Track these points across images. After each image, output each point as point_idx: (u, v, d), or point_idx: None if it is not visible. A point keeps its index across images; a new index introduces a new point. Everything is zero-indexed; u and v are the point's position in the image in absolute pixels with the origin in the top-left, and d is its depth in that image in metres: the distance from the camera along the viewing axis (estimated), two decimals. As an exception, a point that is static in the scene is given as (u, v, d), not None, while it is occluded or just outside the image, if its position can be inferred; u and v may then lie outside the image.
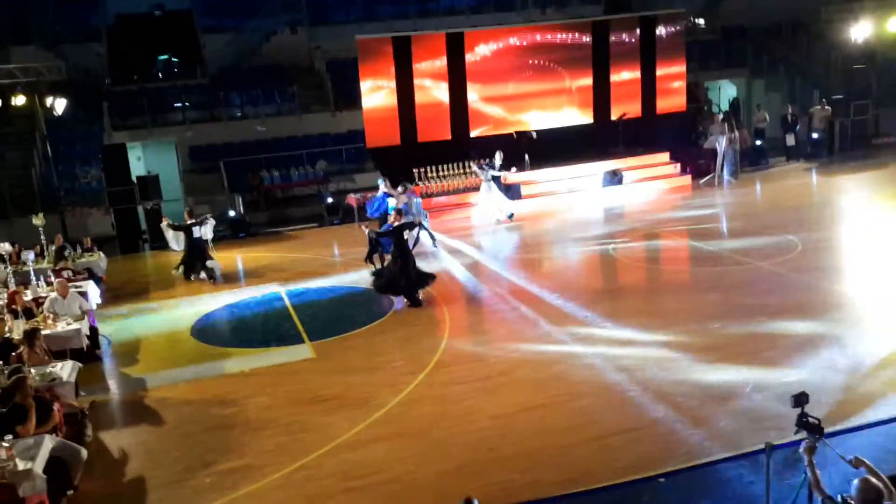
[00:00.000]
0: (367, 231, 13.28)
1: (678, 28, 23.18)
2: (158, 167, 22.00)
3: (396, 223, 12.80)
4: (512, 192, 19.37)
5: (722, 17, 28.65)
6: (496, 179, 18.52)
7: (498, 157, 18.58)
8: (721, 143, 21.01)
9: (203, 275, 15.25)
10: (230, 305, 13.61)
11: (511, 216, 18.33)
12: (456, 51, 20.90)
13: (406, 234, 12.82)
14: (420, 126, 20.95)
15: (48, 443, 7.26)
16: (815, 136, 23.77)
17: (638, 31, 22.51)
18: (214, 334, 12.20)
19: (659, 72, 22.87)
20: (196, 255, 15.42)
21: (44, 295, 12.19)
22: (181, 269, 15.62)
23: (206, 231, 15.92)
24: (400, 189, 16.59)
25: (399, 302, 12.58)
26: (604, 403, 8.48)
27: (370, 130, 20.67)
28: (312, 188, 22.75)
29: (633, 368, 9.28)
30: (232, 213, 19.98)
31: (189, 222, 15.41)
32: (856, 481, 4.54)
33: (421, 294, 12.63)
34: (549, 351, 10.09)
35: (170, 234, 17.81)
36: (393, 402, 8.92)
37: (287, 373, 10.20)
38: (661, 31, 22.66)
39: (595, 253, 15.10)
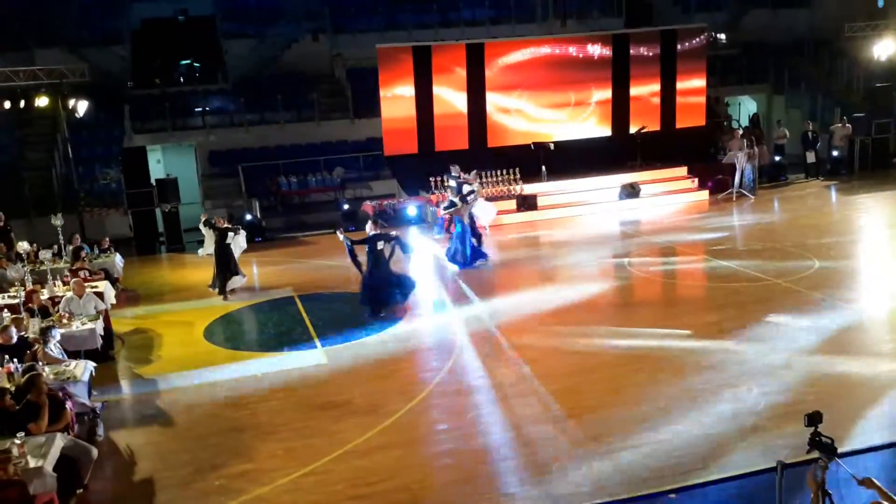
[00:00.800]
0: (342, 238, 13.12)
1: (699, 43, 23.11)
2: (177, 171, 22.17)
3: (373, 232, 12.80)
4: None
5: (743, 33, 28.56)
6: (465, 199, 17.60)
7: (474, 179, 18.01)
8: (740, 159, 20.90)
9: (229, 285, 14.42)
10: (244, 309, 13.65)
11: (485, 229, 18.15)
12: (476, 61, 20.95)
13: (381, 245, 12.67)
14: (438, 135, 21.00)
15: (59, 441, 7.29)
16: (835, 153, 23.59)
17: (659, 45, 22.48)
18: (227, 337, 12.25)
19: (679, 86, 22.82)
20: (223, 265, 14.32)
21: (60, 294, 12.29)
22: (216, 288, 14.43)
23: (239, 241, 15.43)
24: (473, 175, 17.48)
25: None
26: (617, 416, 8.42)
27: (388, 138, 20.75)
28: (329, 195, 22.85)
29: (646, 382, 9.22)
30: (249, 217, 20.07)
31: (224, 226, 14.66)
32: None
33: (388, 309, 12.62)
34: (561, 363, 10.04)
35: (206, 235, 16.51)
36: (403, 410, 8.90)
37: (298, 378, 10.21)
38: (681, 45, 22.61)
39: (610, 265, 15.04)
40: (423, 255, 16.43)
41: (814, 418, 5.29)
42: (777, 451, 6.98)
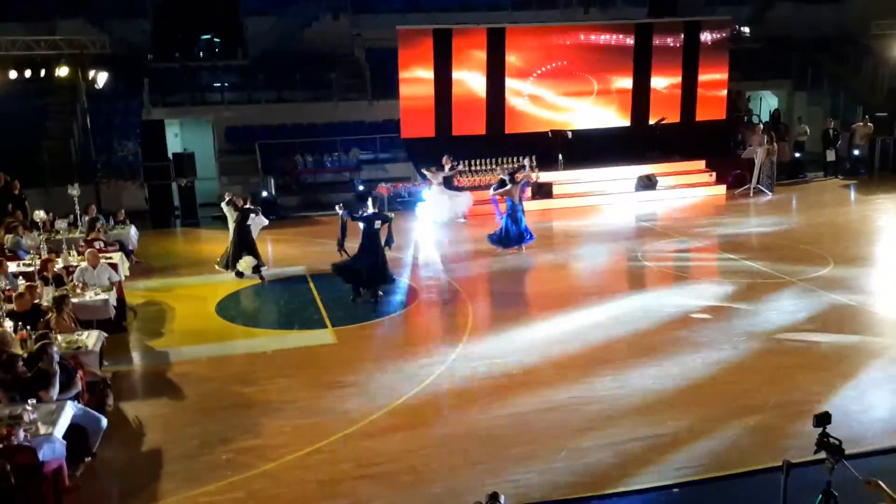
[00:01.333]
0: (341, 212, 12.91)
1: (723, 35, 22.89)
2: (194, 145, 22.20)
3: (371, 211, 12.68)
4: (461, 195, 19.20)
5: (768, 27, 28.24)
6: (447, 181, 18.69)
7: (447, 162, 18.46)
8: (759, 155, 20.74)
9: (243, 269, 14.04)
10: (256, 286, 13.71)
11: (464, 217, 18.47)
12: (496, 46, 20.84)
13: (377, 225, 12.51)
14: (455, 119, 20.95)
15: (70, 409, 7.36)
16: (856, 153, 23.36)
17: (682, 35, 22.29)
18: (239, 313, 12.31)
19: (700, 78, 22.65)
20: (241, 245, 13.88)
21: (74, 264, 12.37)
22: (224, 265, 14.08)
23: (260, 220, 14.88)
24: (527, 162, 18.40)
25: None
26: (623, 409, 8.42)
27: (406, 121, 20.71)
28: (344, 175, 22.86)
29: (655, 376, 9.21)
30: (265, 194, 20.12)
31: (246, 207, 14.07)
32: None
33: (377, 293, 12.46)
34: (570, 353, 10.03)
35: (228, 214, 14.76)
36: (411, 393, 8.93)
37: (308, 356, 10.26)
38: (705, 37, 22.42)
39: (622, 257, 14.99)
40: (429, 240, 16.45)
41: (822, 419, 5.27)
42: (783, 450, 6.96)
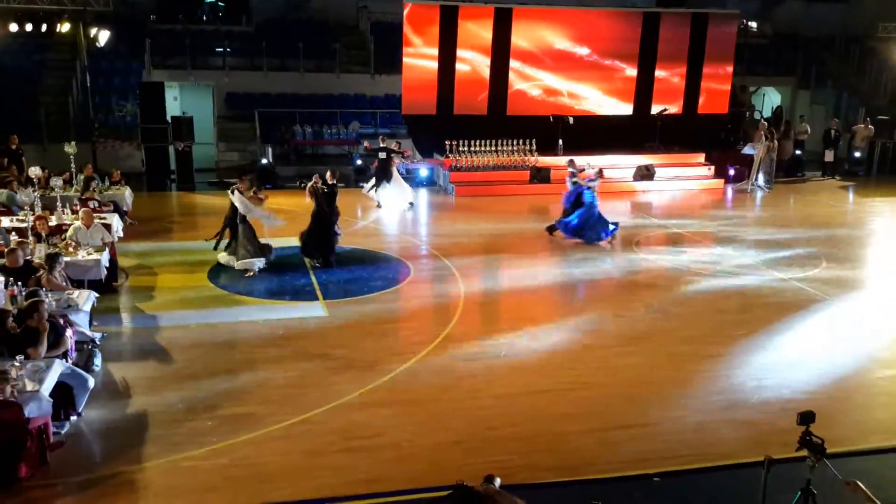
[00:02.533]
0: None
1: (730, 29, 22.80)
2: (193, 110, 22.07)
3: (332, 181, 13.33)
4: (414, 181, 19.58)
5: (775, 23, 28.17)
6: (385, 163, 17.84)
7: (382, 142, 18.22)
8: (759, 151, 20.73)
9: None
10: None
11: (411, 204, 17.97)
12: (503, 26, 20.74)
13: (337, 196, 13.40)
14: (458, 98, 20.88)
15: (57, 367, 7.37)
16: (857, 154, 23.38)
17: (689, 27, 22.21)
18: (231, 281, 12.27)
19: (705, 71, 22.61)
20: (242, 236, 12.64)
21: (68, 222, 12.33)
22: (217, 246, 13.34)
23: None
24: (394, 144, 18.09)
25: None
26: (610, 396, 8.47)
27: (407, 97, 20.62)
28: (343, 148, 22.78)
29: (642, 366, 9.26)
30: (264, 161, 20.07)
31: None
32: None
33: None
34: (560, 338, 10.07)
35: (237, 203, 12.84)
36: (399, 370, 8.96)
37: (298, 328, 10.27)
38: (712, 30, 22.33)
39: (616, 247, 15.00)
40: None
41: (806, 417, 5.32)
42: (767, 446, 7.01)
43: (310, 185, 13.28)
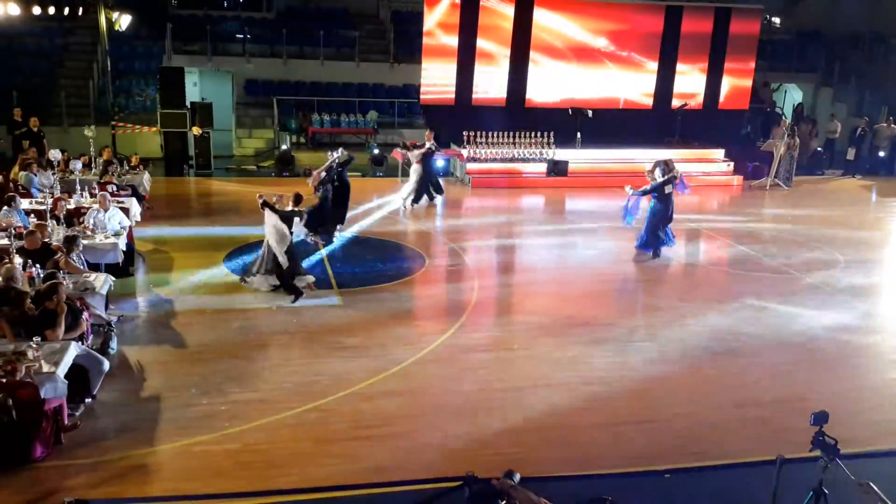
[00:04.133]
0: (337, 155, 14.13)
1: (752, 24, 22.58)
2: (213, 96, 22.12)
3: (337, 160, 14.00)
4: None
5: (799, 19, 27.84)
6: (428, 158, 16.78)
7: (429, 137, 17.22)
8: (779, 148, 20.54)
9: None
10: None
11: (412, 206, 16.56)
12: (524, 16, 20.61)
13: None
14: (477, 89, 20.80)
15: (73, 350, 7.43)
16: (881, 153, 23.13)
17: (712, 21, 22.00)
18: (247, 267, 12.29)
19: (726, 66, 22.39)
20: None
21: (86, 205, 12.40)
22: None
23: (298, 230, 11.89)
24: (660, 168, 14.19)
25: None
26: (622, 391, 8.44)
27: (426, 87, 20.57)
28: (360, 137, 22.78)
29: (654, 361, 9.22)
30: (284, 147, 20.13)
31: (290, 210, 11.15)
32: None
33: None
34: (572, 332, 10.03)
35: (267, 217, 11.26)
36: (410, 360, 8.97)
37: (312, 316, 10.29)
38: (734, 24, 22.11)
39: (631, 241, 14.90)
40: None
41: (820, 417, 5.29)
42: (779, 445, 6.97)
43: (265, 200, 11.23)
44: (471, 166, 19.53)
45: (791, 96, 28.52)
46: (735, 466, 7.00)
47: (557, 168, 19.71)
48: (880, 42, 26.79)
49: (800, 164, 21.45)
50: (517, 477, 4.69)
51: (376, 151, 20.55)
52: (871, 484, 4.88)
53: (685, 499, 6.62)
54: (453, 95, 20.68)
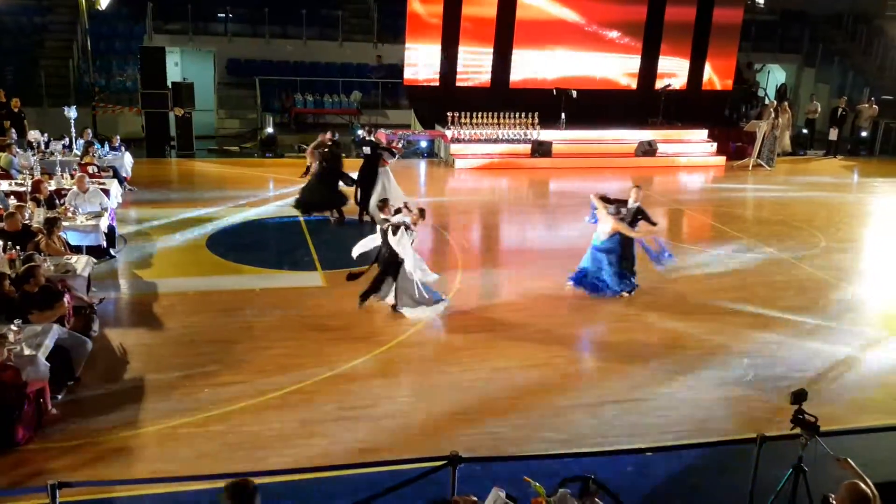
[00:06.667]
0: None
1: (737, 4, 22.58)
2: (194, 76, 21.88)
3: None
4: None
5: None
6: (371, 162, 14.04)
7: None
8: (762, 128, 20.63)
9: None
10: (249, 223, 13.67)
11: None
12: (508, -1, 20.50)
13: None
14: (461, 70, 20.71)
15: (55, 332, 7.39)
16: (863, 134, 23.28)
17: (696, 1, 21.97)
18: (230, 249, 12.24)
19: (711, 47, 22.41)
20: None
21: (67, 187, 12.30)
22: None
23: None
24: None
25: None
26: (604, 370, 8.51)
27: (410, 67, 20.45)
28: (344, 118, 22.65)
29: (636, 342, 9.28)
30: (270, 130, 19.99)
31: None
32: (845, 483, 4.53)
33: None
34: (558, 313, 10.07)
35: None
36: (396, 341, 8.98)
37: (296, 297, 10.27)
38: (718, 4, 22.09)
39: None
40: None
41: (799, 396, 5.35)
42: (760, 423, 7.05)
43: (315, 143, 13.86)
44: (455, 147, 19.49)
45: (775, 77, 28.60)
46: (716, 444, 7.07)
47: (542, 148, 19.69)
48: (863, 23, 26.89)
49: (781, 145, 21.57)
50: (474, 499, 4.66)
51: (360, 132, 20.43)
52: (850, 460, 4.94)
53: (666, 477, 6.68)
54: (437, 76, 20.58)
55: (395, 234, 9.46)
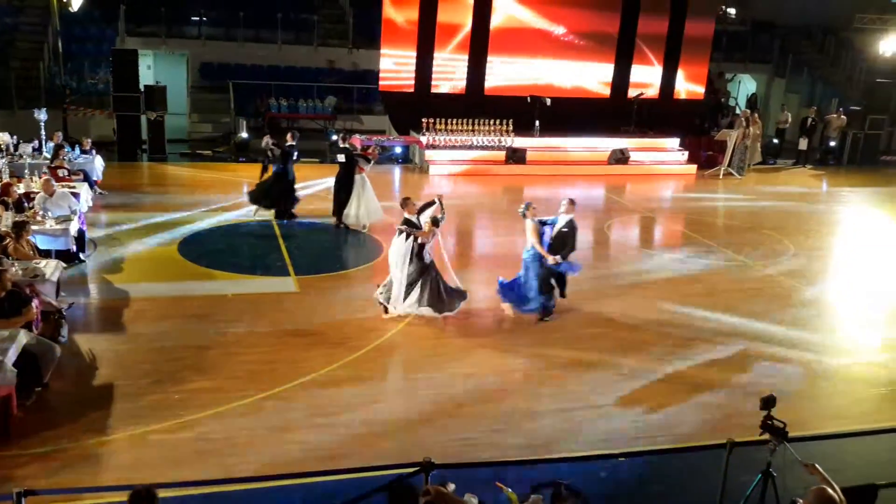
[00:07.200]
0: (270, 142, 13.96)
1: (709, 14, 22.87)
2: (167, 79, 21.73)
3: (290, 143, 13.88)
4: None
5: (754, 10, 28.27)
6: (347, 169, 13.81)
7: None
8: (733, 137, 20.90)
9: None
10: (221, 228, 13.57)
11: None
12: (483, 4, 20.56)
13: (295, 156, 13.98)
14: (435, 76, 20.76)
15: (22, 338, 7.28)
16: (832, 143, 23.66)
17: (668, 11, 22.22)
18: (202, 254, 12.15)
19: (683, 56, 22.66)
20: (286, 189, 13.96)
21: (36, 190, 12.13)
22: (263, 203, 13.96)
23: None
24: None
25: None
26: (578, 377, 8.54)
27: (385, 73, 20.46)
28: (319, 123, 22.58)
29: (608, 347, 9.33)
30: (245, 135, 19.89)
31: (290, 143, 13.89)
32: (812, 488, 4.59)
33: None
34: (529, 319, 10.07)
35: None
36: (370, 347, 8.96)
37: (269, 303, 10.21)
38: (691, 14, 22.37)
39: (588, 229, 15.04)
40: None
41: (768, 402, 5.42)
42: (730, 429, 7.12)
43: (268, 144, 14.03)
44: (429, 153, 19.51)
45: (745, 87, 28.99)
46: (687, 450, 7.13)
47: (516, 155, 19.79)
48: (831, 34, 27.36)
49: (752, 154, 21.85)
50: (451, 486, 4.70)
51: (335, 138, 20.39)
52: (817, 465, 5.01)
53: (637, 483, 6.73)
54: (412, 82, 20.60)
55: (400, 234, 9.59)
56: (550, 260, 9.70)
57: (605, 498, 6.33)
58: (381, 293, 9.86)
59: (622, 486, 6.64)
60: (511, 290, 10.12)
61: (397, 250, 9.58)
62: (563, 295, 10.24)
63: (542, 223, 9.93)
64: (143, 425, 7.04)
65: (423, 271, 9.58)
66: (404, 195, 10.55)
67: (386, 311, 9.80)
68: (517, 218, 10.09)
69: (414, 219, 9.71)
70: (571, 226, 9.86)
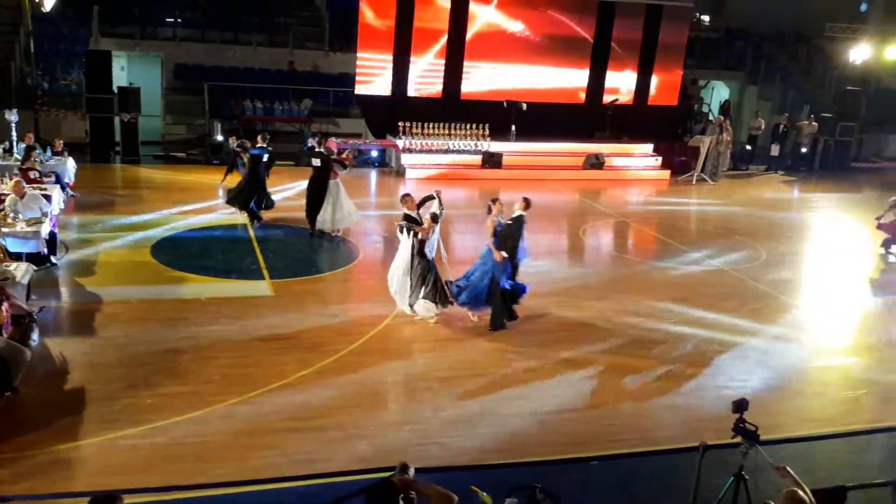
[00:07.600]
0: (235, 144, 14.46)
1: (683, 21, 23.09)
2: (141, 81, 21.52)
3: (260, 145, 13.97)
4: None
5: (727, 17, 28.61)
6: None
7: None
8: (706, 143, 21.12)
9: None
10: (195, 231, 13.47)
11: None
12: (460, 9, 20.62)
13: (266, 158, 13.90)
14: (412, 80, 20.77)
15: (-8, 341, 7.17)
16: (803, 150, 23.97)
17: (643, 18, 22.41)
18: (175, 257, 12.04)
19: (657, 63, 22.86)
20: (255, 191, 13.95)
21: (6, 192, 11.95)
22: (237, 202, 14.02)
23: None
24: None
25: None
26: (552, 380, 8.57)
27: (361, 77, 20.44)
28: (294, 126, 22.50)
29: (584, 351, 9.37)
30: (220, 138, 19.76)
31: (261, 146, 13.99)
32: (784, 491, 4.65)
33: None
34: (504, 323, 10.11)
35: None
36: (345, 351, 8.93)
37: (244, 307, 10.15)
38: (665, 21, 22.57)
39: (563, 233, 15.16)
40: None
41: (740, 405, 5.48)
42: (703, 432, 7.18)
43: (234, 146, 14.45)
44: (406, 157, 19.51)
45: (719, 93, 29.30)
46: (660, 453, 7.19)
47: (492, 160, 19.85)
48: (803, 42, 27.75)
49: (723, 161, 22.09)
50: (412, 470, 4.73)
51: (311, 141, 20.31)
52: (788, 468, 5.07)
53: (611, 485, 6.76)
54: (389, 86, 20.60)
55: (401, 231, 9.74)
56: (496, 255, 9.74)
57: (579, 501, 6.35)
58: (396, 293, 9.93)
59: (596, 488, 6.68)
60: (464, 291, 9.98)
61: (403, 251, 9.75)
62: (514, 317, 10.05)
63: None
64: (116, 430, 6.96)
65: (428, 268, 9.72)
66: (404, 192, 10.54)
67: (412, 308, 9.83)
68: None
69: (414, 214, 9.77)
70: (519, 221, 9.98)
